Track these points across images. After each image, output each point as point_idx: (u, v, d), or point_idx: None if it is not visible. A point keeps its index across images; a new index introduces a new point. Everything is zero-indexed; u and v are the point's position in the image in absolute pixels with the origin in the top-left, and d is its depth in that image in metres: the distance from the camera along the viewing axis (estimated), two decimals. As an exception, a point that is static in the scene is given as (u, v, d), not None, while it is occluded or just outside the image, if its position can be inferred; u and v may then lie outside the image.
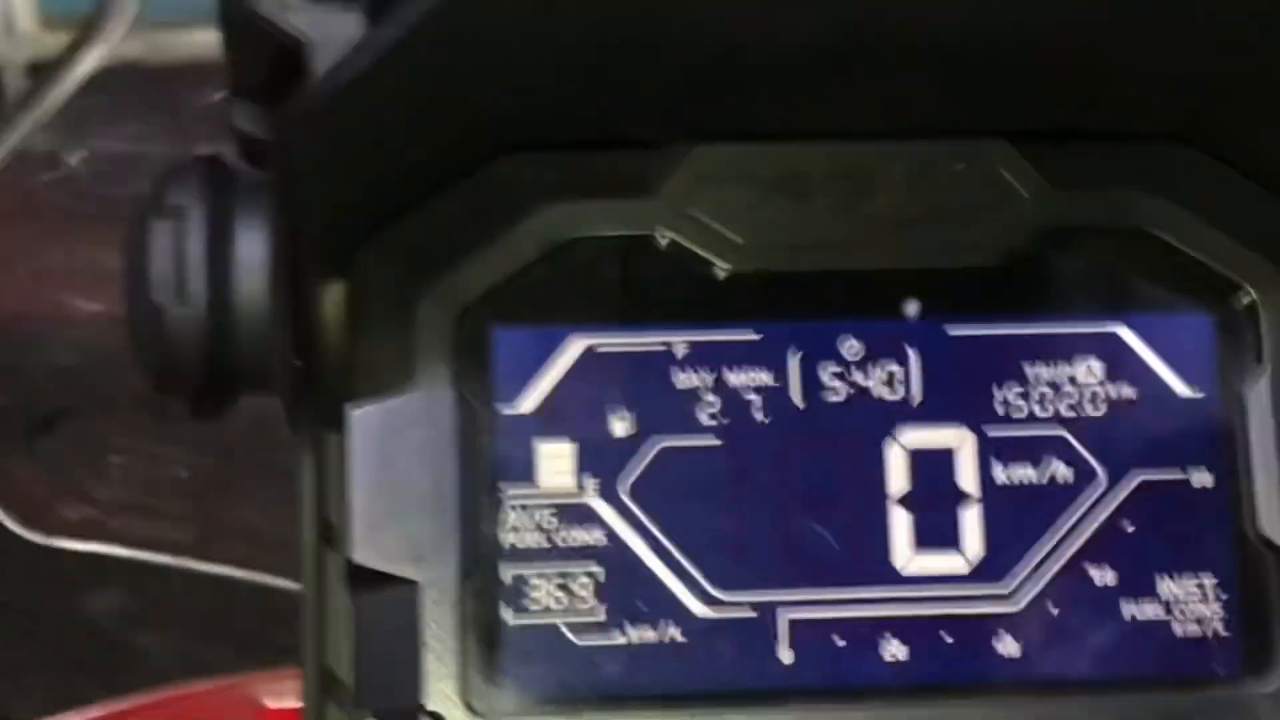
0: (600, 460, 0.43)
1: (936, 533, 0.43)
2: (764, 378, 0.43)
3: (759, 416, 0.43)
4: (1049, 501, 0.43)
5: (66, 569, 0.91)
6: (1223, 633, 0.43)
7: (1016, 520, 0.43)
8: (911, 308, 0.44)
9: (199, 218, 0.44)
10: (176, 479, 0.86)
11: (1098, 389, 0.44)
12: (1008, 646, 0.43)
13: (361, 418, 0.42)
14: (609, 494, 0.42)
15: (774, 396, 0.43)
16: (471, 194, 0.43)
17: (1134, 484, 0.43)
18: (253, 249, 0.44)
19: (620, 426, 0.43)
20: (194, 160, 0.45)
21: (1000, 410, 0.43)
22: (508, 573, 0.42)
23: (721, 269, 0.43)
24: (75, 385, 0.84)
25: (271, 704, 0.70)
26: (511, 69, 0.40)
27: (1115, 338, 0.44)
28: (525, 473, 0.42)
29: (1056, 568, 0.43)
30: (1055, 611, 0.43)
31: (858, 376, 0.43)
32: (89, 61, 0.72)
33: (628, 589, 0.42)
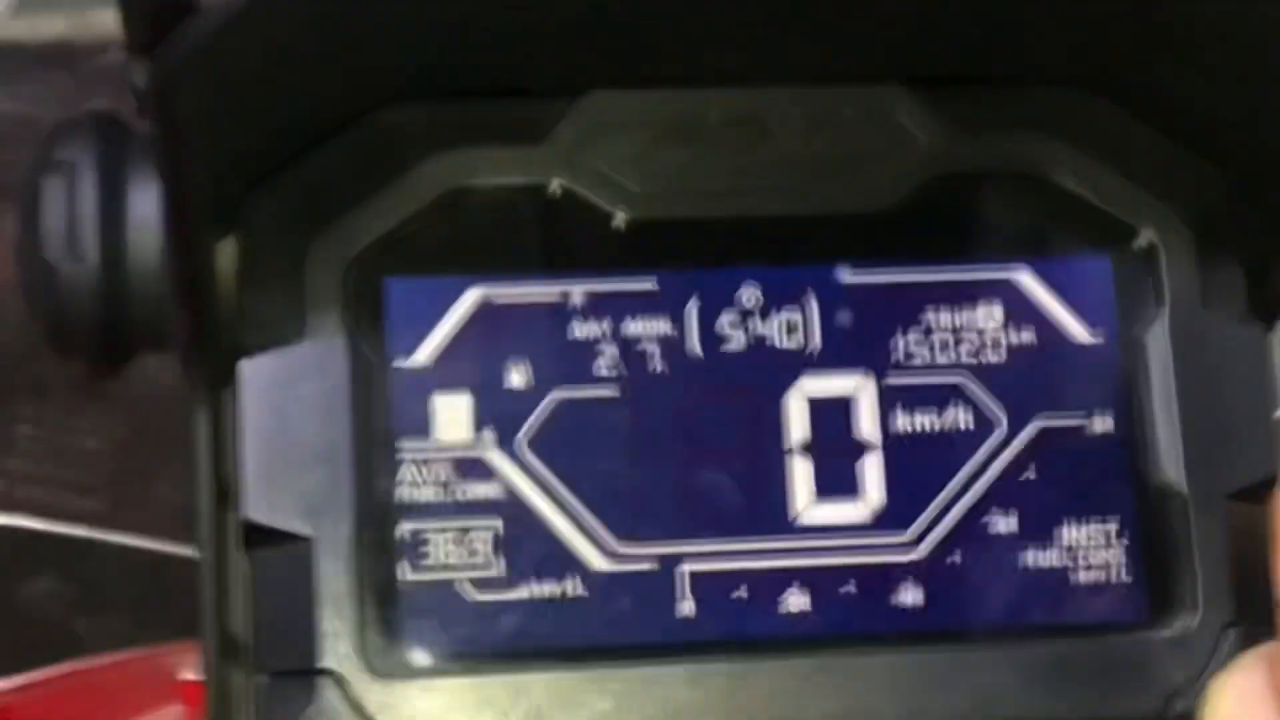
0: (497, 413, 0.42)
1: (837, 482, 0.43)
2: (662, 327, 0.43)
3: (658, 367, 0.43)
4: (950, 449, 0.43)
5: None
6: (1124, 579, 0.43)
7: (918, 468, 0.43)
8: (809, 256, 0.43)
9: (90, 173, 0.43)
10: (86, 449, 0.85)
11: (998, 334, 0.44)
12: (910, 595, 0.42)
13: (253, 370, 0.41)
14: (507, 447, 0.42)
15: (672, 346, 0.43)
16: (359, 142, 0.42)
17: (1035, 430, 0.43)
18: (146, 204, 0.43)
19: (517, 378, 0.42)
20: (85, 116, 0.45)
21: (900, 357, 0.43)
22: (404, 528, 0.42)
23: (617, 217, 0.43)
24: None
25: (187, 675, 0.69)
26: (397, 15, 0.39)
27: (1015, 282, 0.44)
28: (421, 426, 0.42)
29: (958, 516, 0.43)
30: (957, 560, 0.43)
31: (756, 325, 0.43)
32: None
33: (526, 543, 0.42)
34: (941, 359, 0.43)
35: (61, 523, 0.86)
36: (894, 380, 0.43)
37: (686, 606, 0.42)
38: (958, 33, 0.43)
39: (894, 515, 0.43)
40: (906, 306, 0.44)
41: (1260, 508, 0.43)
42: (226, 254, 0.42)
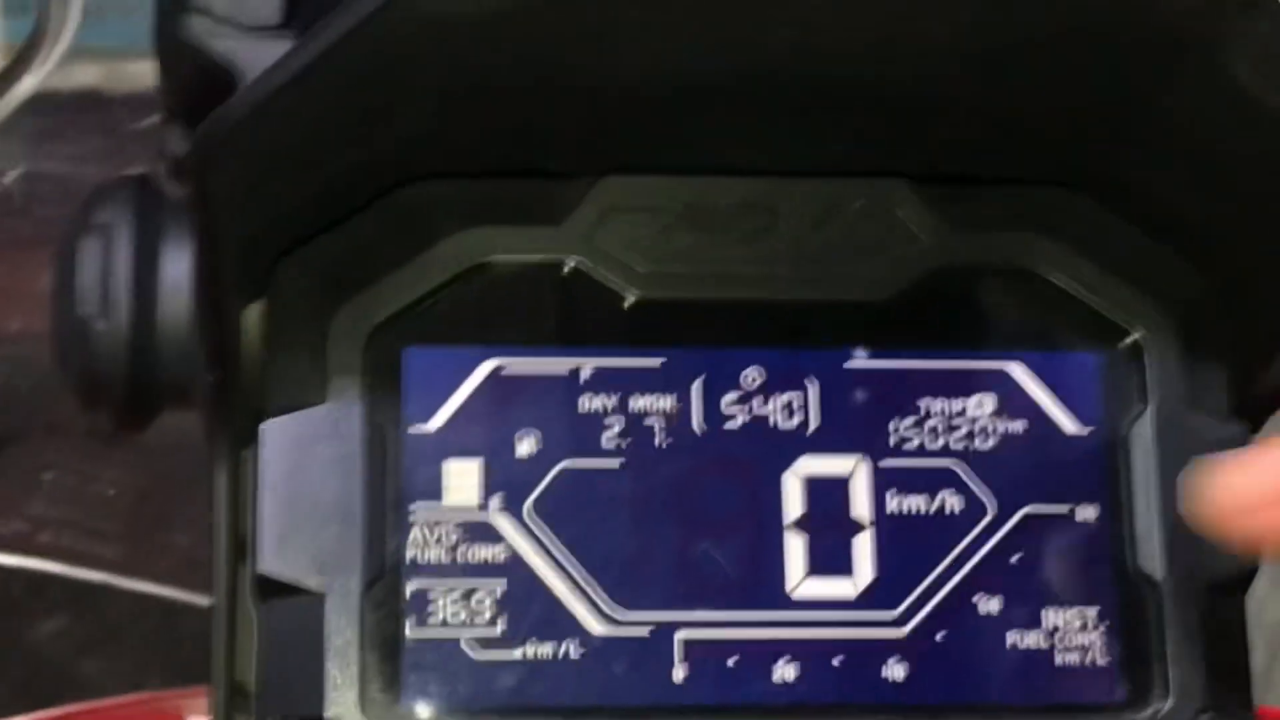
0: (505, 479, 0.44)
1: (829, 559, 0.44)
2: (666, 403, 0.45)
3: (660, 441, 0.44)
4: (939, 531, 0.45)
5: (9, 594, 0.92)
6: (1103, 662, 0.44)
7: (907, 548, 0.44)
8: (811, 340, 0.45)
9: (125, 235, 0.45)
10: (105, 497, 0.87)
11: (989, 423, 0.45)
12: (895, 670, 0.44)
13: (273, 431, 0.43)
14: (512, 512, 0.44)
15: (675, 422, 0.44)
16: (385, 217, 0.44)
17: (1021, 516, 0.45)
18: (178, 267, 0.45)
19: (526, 447, 0.44)
20: (123, 180, 0.47)
21: (895, 441, 0.45)
22: (410, 586, 0.43)
23: (627, 296, 0.45)
24: (12, 405, 0.85)
25: (193, 719, 0.71)
26: (424, 98, 0.41)
27: (1007, 374, 0.45)
28: (431, 489, 0.44)
29: (944, 595, 0.44)
30: (942, 637, 0.44)
31: (757, 405, 0.45)
32: (25, 86, 0.73)
33: (527, 606, 0.43)
34: (935, 445, 0.45)
35: (78, 567, 0.87)
36: (889, 463, 0.45)
37: (680, 673, 0.43)
38: (956, 134, 0.44)
39: (883, 593, 0.44)
40: (903, 393, 0.45)
41: (1236, 600, 0.45)
42: (254, 319, 0.44)
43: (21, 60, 0.73)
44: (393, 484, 0.43)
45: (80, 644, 0.94)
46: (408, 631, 0.43)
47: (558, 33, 0.39)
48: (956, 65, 0.42)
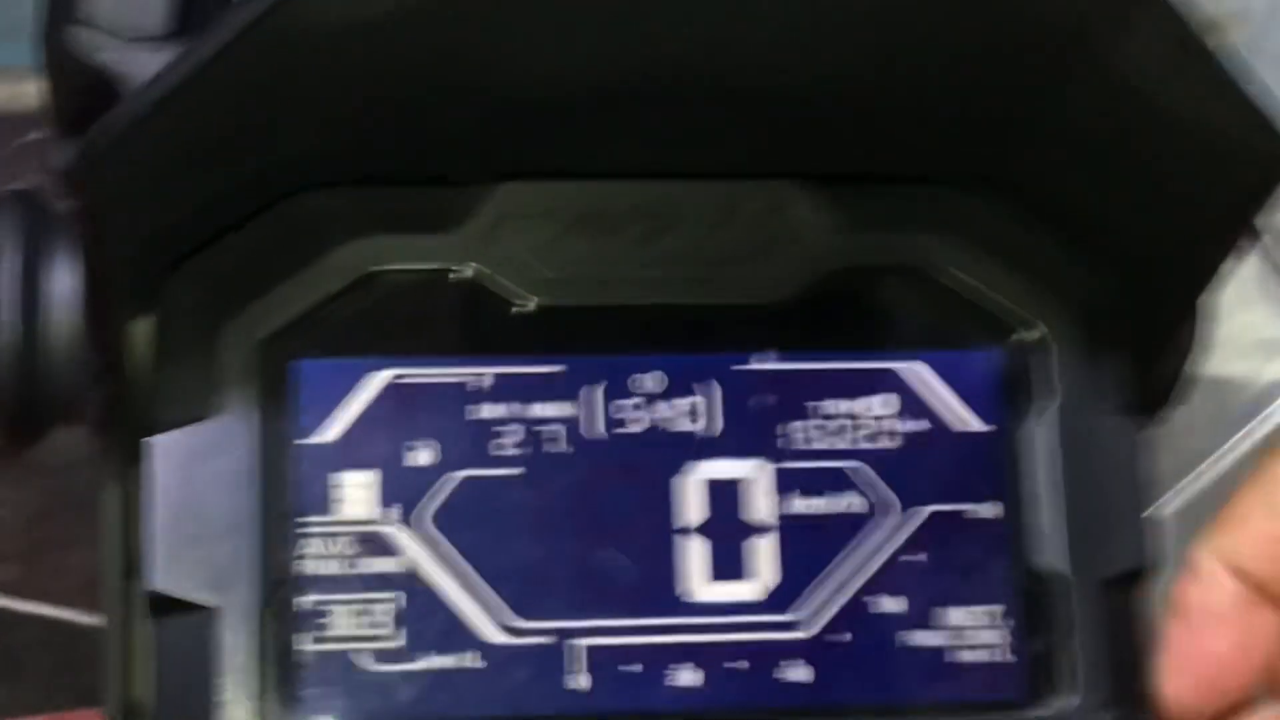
0: (402, 490, 0.43)
1: (731, 562, 0.44)
2: (566, 410, 0.44)
3: (560, 448, 0.44)
4: (842, 532, 0.44)
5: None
6: (1008, 659, 0.44)
7: (809, 550, 0.44)
8: (711, 344, 0.45)
9: (10, 252, 0.44)
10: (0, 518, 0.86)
11: (891, 423, 0.45)
12: (799, 673, 0.44)
13: (163, 446, 0.42)
14: (410, 523, 0.43)
15: (575, 428, 0.44)
16: (274, 227, 0.43)
17: (924, 515, 0.45)
18: (64, 282, 0.44)
19: (422, 457, 0.44)
20: (6, 195, 0.46)
21: (796, 443, 0.45)
22: (307, 600, 0.43)
23: (524, 303, 0.44)
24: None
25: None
26: (312, 107, 0.40)
27: (908, 373, 0.45)
28: (326, 502, 0.43)
29: (847, 596, 0.44)
30: (846, 639, 0.44)
31: (658, 409, 0.45)
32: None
33: (427, 616, 0.43)
34: (836, 446, 0.45)
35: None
36: (790, 465, 0.45)
37: (581, 680, 0.43)
38: (851, 135, 0.44)
39: (786, 596, 0.44)
40: (804, 394, 0.45)
41: (1138, 594, 0.45)
42: (142, 333, 0.43)
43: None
44: (287, 497, 0.43)
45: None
46: (305, 645, 0.42)
47: (443, 39, 0.39)
48: (850, 67, 0.42)
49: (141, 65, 0.44)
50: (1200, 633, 0.44)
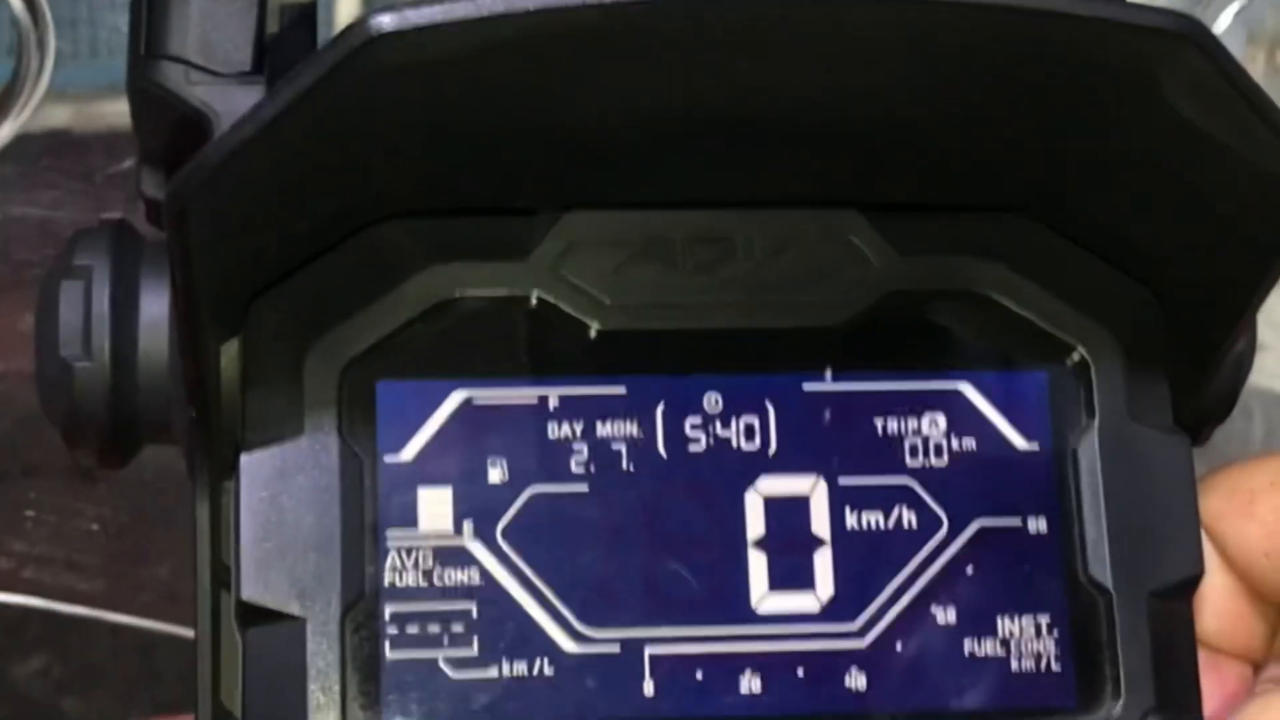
0: (477, 505, 0.45)
1: (790, 574, 0.46)
2: (631, 429, 0.46)
3: (626, 465, 0.46)
4: (896, 546, 0.46)
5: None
6: (1056, 668, 0.46)
7: (865, 563, 0.46)
8: (769, 365, 0.47)
9: (105, 277, 0.46)
10: (86, 532, 0.87)
11: (941, 441, 0.47)
12: (856, 680, 0.46)
13: (251, 464, 0.44)
14: (484, 537, 0.45)
15: (640, 446, 0.46)
16: (355, 256, 0.46)
17: (974, 530, 0.46)
18: (156, 307, 0.46)
19: (495, 474, 0.46)
20: (101, 223, 0.48)
21: (851, 461, 0.47)
22: (388, 609, 0.45)
23: (591, 327, 0.47)
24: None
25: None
26: (392, 143, 0.42)
27: (958, 394, 0.47)
28: (406, 516, 0.45)
29: (901, 607, 0.46)
30: (900, 648, 0.46)
31: (718, 428, 0.46)
32: (3, 133, 0.75)
33: (501, 626, 0.45)
34: (889, 463, 0.47)
35: (58, 602, 0.88)
36: (846, 481, 0.46)
37: (649, 687, 0.45)
38: (907, 167, 0.46)
39: (843, 606, 0.46)
40: (858, 414, 0.47)
41: (1182, 604, 0.47)
42: (231, 357, 0.45)
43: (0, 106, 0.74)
44: (369, 512, 0.45)
45: (60, 682, 0.95)
46: (387, 653, 0.45)
47: (515, 79, 0.41)
48: (903, 104, 0.44)
49: (231, 100, 0.46)
50: None
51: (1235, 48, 0.76)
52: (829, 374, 0.47)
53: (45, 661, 0.95)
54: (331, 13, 0.80)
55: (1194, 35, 0.40)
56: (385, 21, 0.38)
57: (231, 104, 0.45)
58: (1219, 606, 0.48)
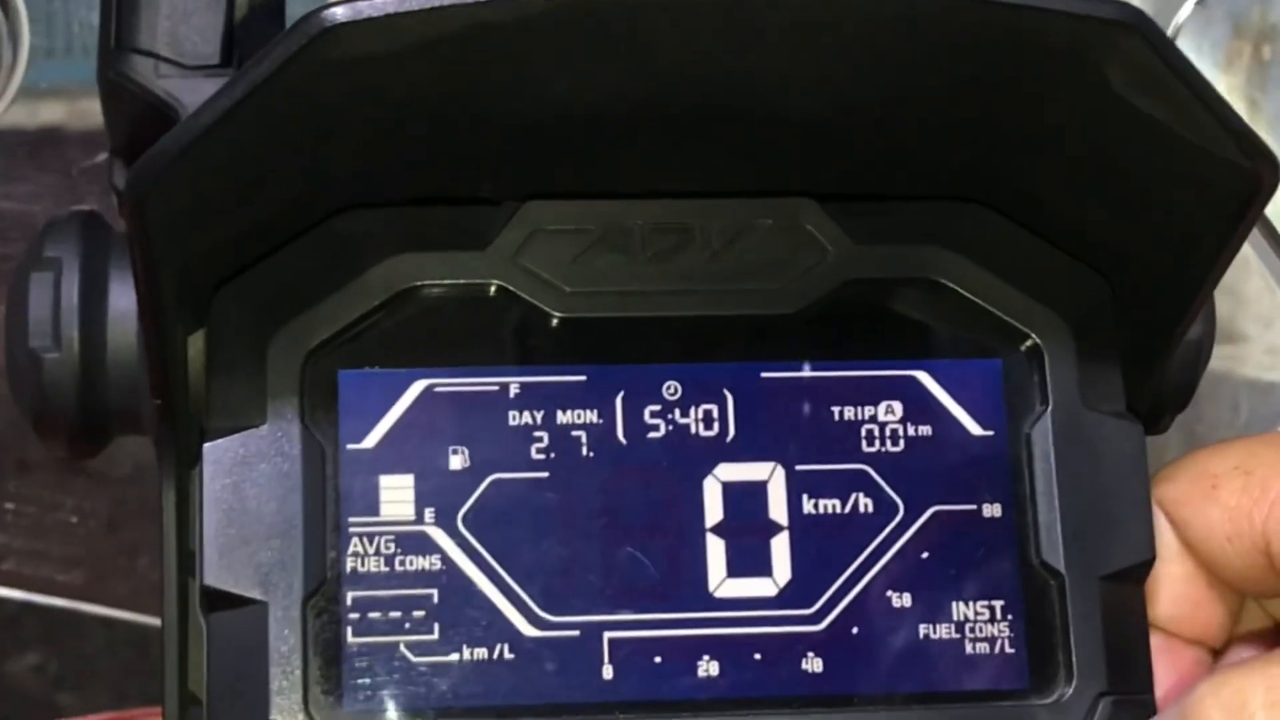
0: (438, 493, 0.46)
1: (748, 560, 0.47)
2: (591, 417, 0.47)
3: (586, 453, 0.47)
4: (852, 531, 0.47)
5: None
6: (1009, 651, 0.47)
7: (822, 548, 0.47)
8: (726, 353, 0.47)
9: (73, 269, 0.47)
10: (69, 524, 0.88)
11: (897, 428, 0.48)
12: (812, 664, 0.46)
13: (215, 451, 0.45)
14: (445, 524, 0.46)
15: (600, 434, 0.47)
16: (317, 246, 0.46)
17: (929, 515, 0.47)
18: (125, 298, 0.47)
19: (457, 461, 0.46)
20: (71, 215, 0.49)
21: (808, 447, 0.47)
22: (349, 595, 0.45)
23: (552, 316, 0.47)
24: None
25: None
26: (350, 133, 0.43)
27: (913, 380, 0.48)
28: (368, 504, 0.46)
29: (857, 591, 0.47)
30: (856, 632, 0.46)
31: (677, 416, 0.47)
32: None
33: (462, 612, 0.46)
34: (846, 450, 0.47)
35: (46, 595, 0.89)
36: (803, 468, 0.47)
37: (607, 671, 0.46)
38: (859, 155, 0.47)
39: (799, 591, 0.47)
40: (815, 401, 0.47)
41: (1134, 588, 0.47)
42: (196, 346, 0.46)
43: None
44: (331, 499, 0.46)
45: (55, 677, 0.95)
46: (348, 638, 0.45)
47: (469, 69, 0.42)
48: (857, 94, 0.44)
49: (199, 93, 0.46)
50: None
51: (1220, 41, 0.77)
52: (786, 362, 0.47)
53: (40, 657, 0.95)
54: (299, 5, 0.80)
55: (1135, 22, 0.41)
56: (339, 13, 0.39)
57: (198, 96, 0.46)
58: (1176, 592, 0.48)
